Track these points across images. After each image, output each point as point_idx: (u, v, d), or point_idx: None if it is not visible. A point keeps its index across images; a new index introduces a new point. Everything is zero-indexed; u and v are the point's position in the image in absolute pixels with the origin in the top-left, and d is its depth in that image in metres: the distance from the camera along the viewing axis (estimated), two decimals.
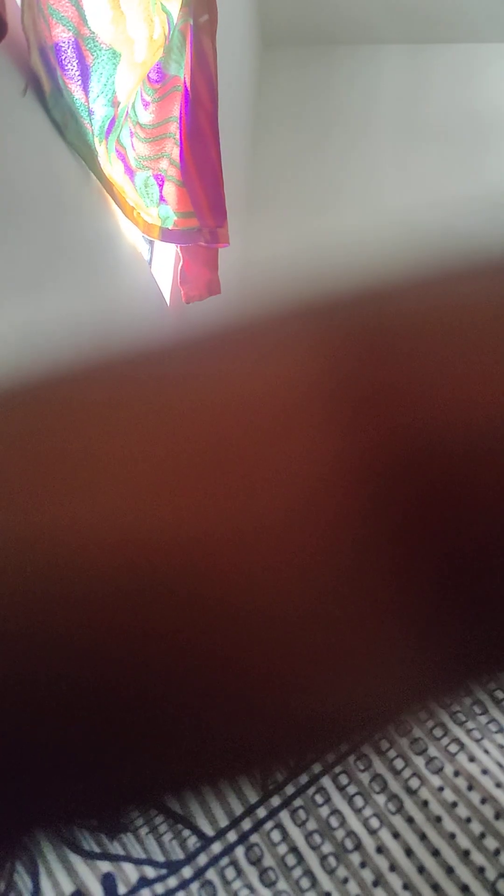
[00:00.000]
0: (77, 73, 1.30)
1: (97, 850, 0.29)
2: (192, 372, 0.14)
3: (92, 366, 0.15)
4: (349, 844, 0.28)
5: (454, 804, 0.29)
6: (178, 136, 1.73)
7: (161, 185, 1.73)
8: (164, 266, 2.07)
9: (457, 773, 0.29)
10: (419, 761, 0.30)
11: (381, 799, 0.29)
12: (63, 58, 1.27)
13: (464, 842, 0.28)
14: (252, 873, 0.28)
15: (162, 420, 0.13)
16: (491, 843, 0.28)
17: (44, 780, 0.13)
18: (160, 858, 0.29)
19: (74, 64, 1.29)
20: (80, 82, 1.31)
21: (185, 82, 1.69)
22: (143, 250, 1.88)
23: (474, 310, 0.14)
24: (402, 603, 0.13)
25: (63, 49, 1.26)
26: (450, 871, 0.27)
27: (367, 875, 0.28)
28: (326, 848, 0.28)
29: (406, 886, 0.27)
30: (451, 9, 2.76)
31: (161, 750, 0.13)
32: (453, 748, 0.30)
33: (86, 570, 0.12)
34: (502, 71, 2.86)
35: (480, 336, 0.14)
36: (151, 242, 2.00)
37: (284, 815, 0.29)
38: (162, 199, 1.74)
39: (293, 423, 0.13)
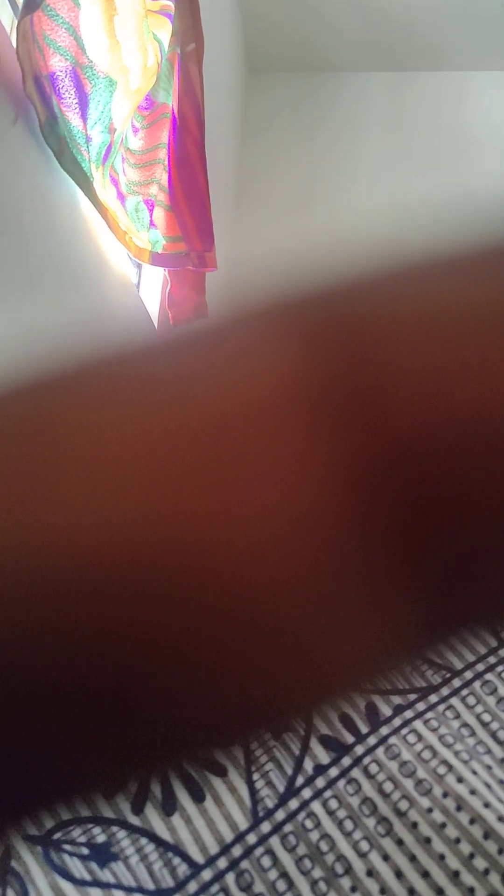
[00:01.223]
0: (75, 101, 1.31)
1: (88, 878, 0.29)
2: (180, 375, 0.14)
3: (79, 372, 0.15)
4: (339, 869, 0.28)
5: (443, 825, 0.29)
6: (166, 162, 1.75)
7: (151, 210, 1.74)
8: (151, 289, 2.09)
9: (445, 795, 0.29)
10: (408, 783, 0.30)
11: (370, 822, 0.29)
12: (60, 86, 1.28)
13: (453, 862, 0.28)
14: None
15: (151, 423, 0.14)
16: (480, 863, 0.28)
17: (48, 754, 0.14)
18: (150, 886, 0.29)
19: (72, 92, 1.31)
20: (77, 110, 1.33)
21: (173, 109, 1.71)
22: (132, 274, 1.89)
23: (457, 308, 0.15)
24: (391, 583, 0.14)
25: (60, 78, 1.28)
26: (440, 892, 0.27)
27: None
28: (317, 873, 0.28)
29: None
30: (434, 38, 2.81)
31: (160, 716, 0.14)
32: (441, 770, 0.30)
33: (80, 569, 0.13)
34: (484, 98, 2.91)
35: (464, 335, 0.14)
36: (139, 266, 2.01)
37: (275, 841, 0.29)
38: (152, 223, 1.76)
39: (283, 425, 0.14)
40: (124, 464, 0.13)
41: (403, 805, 0.29)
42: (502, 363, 0.14)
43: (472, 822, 0.29)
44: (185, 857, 0.29)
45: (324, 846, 0.29)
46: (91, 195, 1.44)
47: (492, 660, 0.34)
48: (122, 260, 1.73)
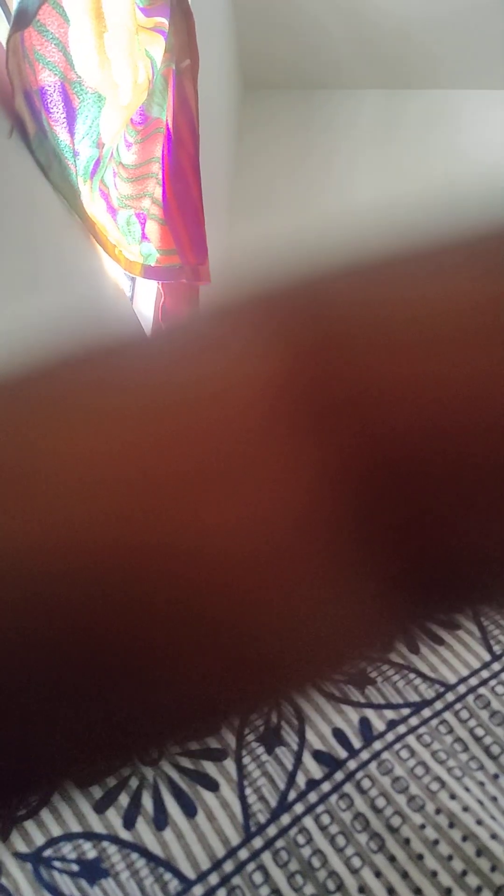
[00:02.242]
0: (63, 115, 1.32)
1: (77, 895, 0.29)
2: (166, 380, 0.14)
3: (64, 378, 0.15)
4: (331, 885, 0.28)
5: (436, 842, 0.29)
6: (160, 176, 1.76)
7: (143, 224, 1.75)
8: (145, 303, 2.09)
9: (438, 811, 0.29)
10: (401, 799, 0.30)
11: (362, 838, 0.29)
12: (49, 101, 1.29)
13: (445, 880, 0.28)
14: None
15: (138, 428, 0.14)
16: (472, 880, 0.28)
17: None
18: None
19: (60, 107, 1.32)
20: (65, 125, 1.33)
21: (167, 124, 1.72)
22: (125, 287, 1.89)
23: (442, 312, 0.15)
24: (365, 567, 0.14)
25: (49, 93, 1.29)
26: None
27: None
28: (308, 889, 0.28)
29: None
30: (426, 56, 2.84)
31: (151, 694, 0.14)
32: (434, 786, 0.30)
33: (66, 571, 0.13)
34: (475, 116, 2.94)
35: (449, 339, 0.14)
36: (133, 279, 2.02)
37: (266, 857, 0.29)
38: (144, 237, 1.76)
39: (269, 428, 0.14)
40: (111, 468, 0.13)
41: (396, 821, 0.29)
42: (486, 366, 0.14)
43: (464, 839, 0.28)
44: (177, 873, 0.29)
45: (316, 862, 0.29)
46: (78, 209, 1.45)
47: (485, 674, 0.34)
48: (117, 273, 1.74)
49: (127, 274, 1.81)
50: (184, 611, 0.13)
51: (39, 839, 0.30)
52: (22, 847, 0.30)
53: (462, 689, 0.34)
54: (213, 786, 0.31)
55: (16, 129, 1.21)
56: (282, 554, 0.13)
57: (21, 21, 1.13)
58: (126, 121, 1.55)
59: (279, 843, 0.29)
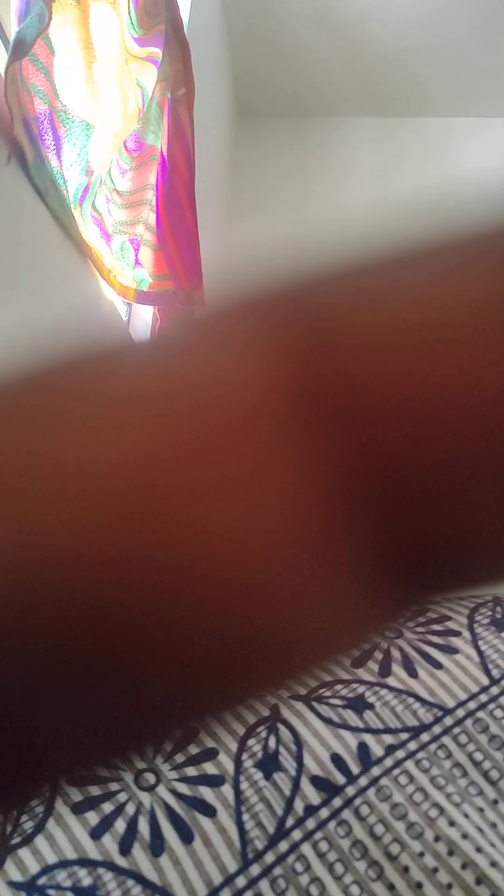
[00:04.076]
0: (52, 142, 1.35)
1: None
2: (162, 387, 0.14)
3: (58, 387, 0.15)
4: None
5: (435, 870, 0.28)
6: (154, 203, 1.78)
7: (137, 250, 1.77)
8: (141, 327, 2.10)
9: (437, 839, 0.29)
10: (399, 826, 0.30)
11: (361, 865, 0.29)
12: (41, 129, 1.31)
13: None
14: None
15: (135, 435, 0.14)
16: None
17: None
18: None
19: (50, 134, 1.34)
20: (55, 151, 1.36)
21: (161, 152, 1.74)
22: (122, 312, 1.90)
23: (440, 316, 0.15)
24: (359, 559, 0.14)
25: (40, 120, 1.31)
26: None
27: None
28: None
29: None
30: (420, 84, 2.89)
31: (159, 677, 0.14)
32: (433, 813, 0.30)
33: (62, 581, 0.13)
34: (468, 144, 2.98)
35: (447, 342, 0.14)
36: (129, 304, 2.03)
37: (264, 884, 0.29)
38: (137, 262, 1.78)
39: (267, 433, 0.14)
40: (112, 477, 0.13)
41: (395, 849, 0.29)
42: (487, 368, 0.14)
43: (464, 867, 0.28)
44: None
45: (314, 890, 0.28)
46: (75, 234, 1.47)
47: (483, 698, 0.34)
48: (114, 298, 1.75)
49: (122, 299, 1.83)
50: (186, 621, 0.13)
51: (34, 867, 0.30)
52: (16, 875, 0.30)
53: (461, 713, 0.34)
54: (210, 811, 0.31)
55: (14, 156, 1.22)
56: (287, 563, 0.13)
57: (20, 50, 1.15)
58: (116, 148, 1.57)
59: (277, 871, 0.29)
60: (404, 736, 0.33)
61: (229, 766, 0.32)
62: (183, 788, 0.31)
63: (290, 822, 0.30)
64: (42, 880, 0.29)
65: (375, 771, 0.31)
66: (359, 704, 0.34)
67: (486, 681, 0.35)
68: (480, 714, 0.34)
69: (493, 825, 0.30)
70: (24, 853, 0.30)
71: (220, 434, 0.14)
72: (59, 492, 0.13)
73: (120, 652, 0.13)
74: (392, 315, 0.15)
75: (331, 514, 0.14)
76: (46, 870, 0.30)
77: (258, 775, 0.32)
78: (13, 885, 0.29)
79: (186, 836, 0.30)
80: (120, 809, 0.31)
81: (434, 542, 0.15)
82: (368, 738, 0.33)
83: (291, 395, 0.14)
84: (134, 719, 0.14)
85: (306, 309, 0.15)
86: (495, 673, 0.35)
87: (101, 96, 1.45)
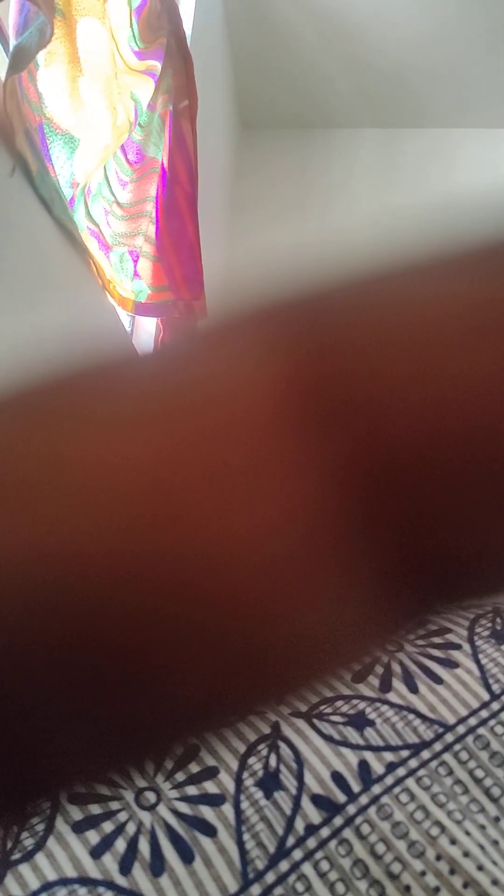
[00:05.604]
0: (43, 153, 1.36)
1: None
2: (171, 389, 0.15)
3: (71, 389, 0.15)
4: None
5: (436, 889, 0.28)
6: (153, 215, 1.79)
7: (135, 261, 1.77)
8: (145, 338, 2.11)
9: (438, 857, 0.29)
10: (401, 845, 0.29)
11: (362, 885, 0.29)
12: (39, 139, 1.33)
13: None
14: None
15: (144, 437, 0.14)
16: None
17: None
18: None
19: (41, 146, 1.35)
20: (48, 162, 1.37)
21: (162, 164, 1.75)
22: (125, 322, 1.91)
23: (442, 316, 0.15)
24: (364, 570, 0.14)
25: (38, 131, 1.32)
26: None
27: None
28: None
29: None
30: (422, 95, 2.90)
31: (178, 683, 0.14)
32: (434, 831, 0.30)
33: (76, 579, 0.13)
34: (471, 155, 2.99)
35: (448, 341, 0.14)
36: (133, 315, 2.04)
37: None
38: (136, 274, 1.79)
39: (273, 433, 0.14)
40: (118, 477, 0.13)
41: (396, 868, 0.29)
42: (484, 366, 0.14)
43: (465, 885, 0.28)
44: None
45: None
46: (80, 243, 1.48)
47: (484, 714, 0.34)
48: (117, 309, 1.75)
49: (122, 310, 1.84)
50: (191, 616, 0.13)
51: (34, 883, 0.30)
52: (16, 891, 0.30)
53: (461, 729, 0.34)
54: (210, 831, 0.31)
55: (18, 168, 1.23)
56: (290, 557, 0.14)
57: (19, 63, 1.16)
58: (104, 161, 1.59)
59: (277, 891, 0.29)
60: (405, 753, 0.33)
61: (230, 785, 0.32)
62: (184, 808, 0.31)
63: (290, 841, 0.30)
64: None
65: (376, 789, 0.31)
66: (359, 721, 0.34)
67: (486, 696, 0.35)
68: (481, 730, 0.33)
69: (495, 843, 0.30)
70: (24, 869, 0.30)
71: (221, 431, 0.14)
72: (76, 489, 0.13)
73: (126, 652, 0.13)
74: (389, 318, 0.15)
75: (327, 507, 0.14)
76: (46, 886, 0.30)
77: (259, 794, 0.32)
78: None
79: (187, 855, 0.30)
80: (120, 829, 0.31)
81: (433, 537, 0.15)
82: (369, 756, 0.33)
83: (291, 394, 0.14)
84: (136, 732, 0.14)
85: (306, 312, 0.16)
86: (496, 688, 0.35)
87: (87, 110, 1.46)
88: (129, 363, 0.16)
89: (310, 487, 0.14)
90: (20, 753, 0.14)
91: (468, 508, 0.15)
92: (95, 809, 0.32)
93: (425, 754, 0.33)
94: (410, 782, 0.32)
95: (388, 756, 0.33)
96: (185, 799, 0.32)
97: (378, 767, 0.32)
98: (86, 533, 0.13)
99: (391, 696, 0.35)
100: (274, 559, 0.14)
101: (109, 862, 0.30)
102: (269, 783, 0.32)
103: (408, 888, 0.28)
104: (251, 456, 0.14)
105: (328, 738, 0.33)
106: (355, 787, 0.31)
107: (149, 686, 0.14)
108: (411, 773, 0.32)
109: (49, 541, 0.13)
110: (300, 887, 0.29)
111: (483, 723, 0.34)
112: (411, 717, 0.34)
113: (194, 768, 0.33)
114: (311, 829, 0.30)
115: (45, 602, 0.13)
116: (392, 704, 0.35)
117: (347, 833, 0.30)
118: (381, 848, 0.29)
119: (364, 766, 0.32)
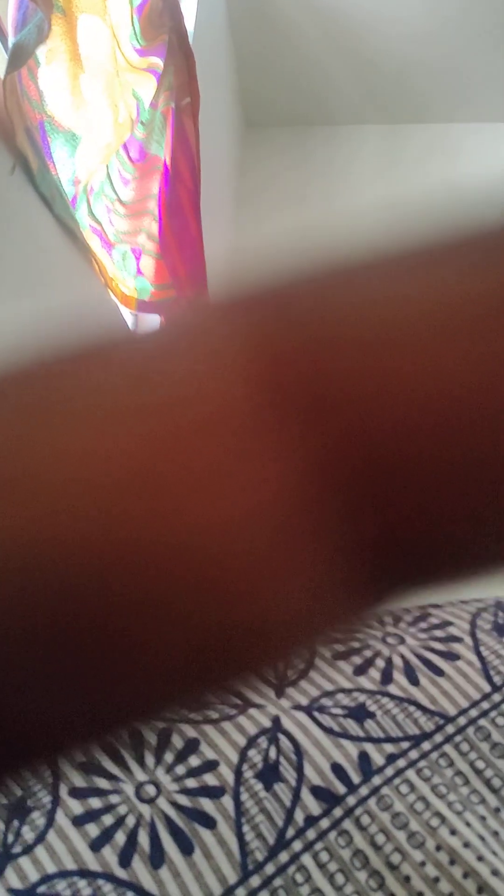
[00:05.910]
0: (44, 151, 1.36)
1: None
2: (146, 381, 0.15)
3: (44, 369, 0.15)
4: None
5: (436, 879, 0.28)
6: (156, 212, 1.78)
7: (138, 259, 1.77)
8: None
9: (438, 848, 0.29)
10: (401, 836, 0.29)
11: (362, 875, 0.29)
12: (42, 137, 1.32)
13: None
14: None
15: (120, 429, 0.14)
16: None
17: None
18: None
19: (42, 144, 1.35)
20: (49, 160, 1.37)
21: (165, 161, 1.75)
22: (128, 320, 1.91)
23: (423, 299, 0.15)
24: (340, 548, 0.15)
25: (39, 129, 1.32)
26: None
27: None
28: None
29: None
30: (424, 91, 2.90)
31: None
32: (434, 822, 0.30)
33: (58, 565, 0.13)
34: (473, 149, 2.99)
35: (426, 338, 0.14)
36: (135, 313, 2.04)
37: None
38: (139, 271, 1.79)
39: (248, 427, 0.14)
40: (103, 467, 0.13)
41: (396, 858, 0.29)
42: (472, 359, 0.14)
43: (465, 876, 0.28)
44: None
45: None
46: (82, 240, 1.48)
47: (485, 705, 0.34)
48: (118, 306, 1.76)
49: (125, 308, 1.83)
50: (173, 599, 0.13)
51: (34, 875, 0.30)
52: (16, 883, 0.30)
53: (462, 720, 0.34)
54: (210, 823, 0.31)
55: (18, 166, 1.23)
56: (269, 549, 0.14)
57: (18, 60, 1.16)
58: (106, 158, 1.59)
59: (277, 882, 0.29)
60: (405, 745, 0.33)
61: (230, 778, 0.32)
62: (183, 800, 0.31)
63: (290, 832, 0.30)
64: (42, 889, 0.29)
65: (376, 780, 0.31)
66: (360, 713, 0.34)
67: (487, 688, 0.35)
68: (482, 722, 0.33)
69: (496, 833, 0.29)
70: (24, 862, 0.30)
71: (199, 425, 0.14)
72: (59, 479, 0.13)
73: (115, 629, 0.13)
74: (377, 309, 0.15)
75: (305, 499, 0.14)
76: (46, 879, 0.30)
77: (258, 786, 0.32)
78: (13, 892, 0.29)
79: (186, 847, 0.30)
80: (120, 822, 0.31)
81: (406, 527, 0.15)
82: (369, 748, 0.33)
83: (270, 387, 0.14)
84: (126, 696, 0.14)
85: (288, 305, 0.16)
86: (497, 679, 0.35)
87: (88, 107, 1.46)
88: (113, 357, 0.16)
89: (285, 475, 0.14)
90: (16, 718, 0.14)
91: (451, 500, 0.15)
92: (95, 803, 0.32)
93: (426, 745, 0.33)
94: (411, 773, 0.31)
95: (389, 747, 0.32)
96: (185, 791, 0.32)
97: (378, 759, 0.32)
98: (67, 521, 0.13)
99: (392, 689, 0.35)
100: (251, 546, 0.14)
101: (109, 854, 0.30)
102: (269, 775, 0.32)
103: (407, 878, 0.28)
104: (232, 448, 0.14)
105: (328, 730, 0.33)
106: (355, 778, 0.31)
107: (132, 661, 0.14)
108: (411, 764, 0.32)
109: (30, 528, 0.13)
110: (300, 878, 0.29)
111: (484, 714, 0.34)
112: (412, 708, 0.34)
113: (194, 761, 0.33)
114: (311, 821, 0.30)
115: (32, 588, 0.13)
116: (393, 696, 0.35)
117: (347, 824, 0.30)
118: (380, 839, 0.29)
119: (364, 757, 0.32)
